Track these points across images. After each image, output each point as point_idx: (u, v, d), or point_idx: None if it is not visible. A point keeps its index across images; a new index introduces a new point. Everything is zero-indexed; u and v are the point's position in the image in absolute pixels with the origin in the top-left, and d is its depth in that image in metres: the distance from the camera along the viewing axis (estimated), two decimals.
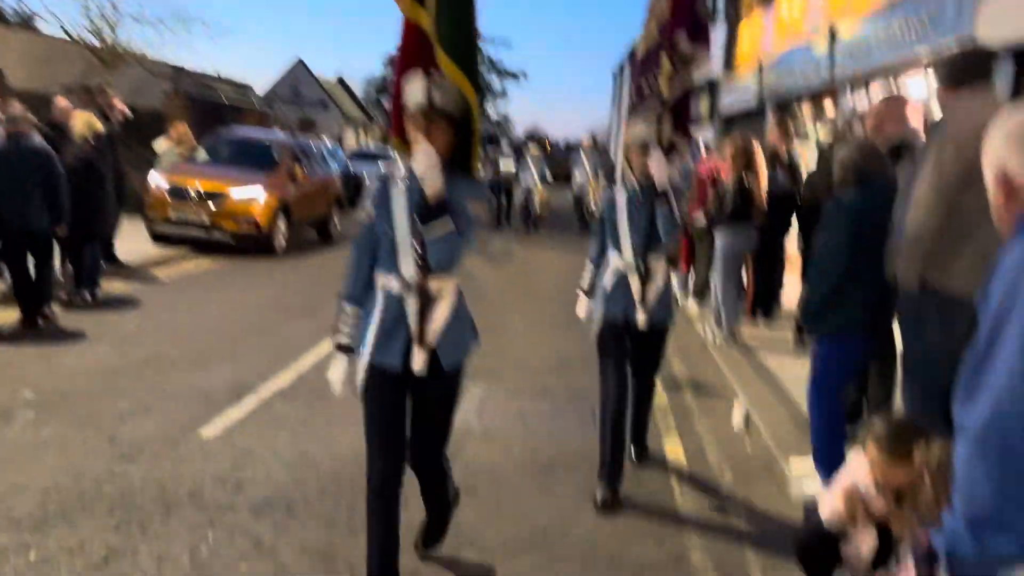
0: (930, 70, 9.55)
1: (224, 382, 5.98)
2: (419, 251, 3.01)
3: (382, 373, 3.11)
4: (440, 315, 3.09)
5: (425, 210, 2.94)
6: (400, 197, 3.05)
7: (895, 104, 5.03)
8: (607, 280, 4.49)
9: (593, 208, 16.18)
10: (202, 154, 13.31)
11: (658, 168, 4.16)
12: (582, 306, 4.73)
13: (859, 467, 3.31)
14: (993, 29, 7.67)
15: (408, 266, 3.04)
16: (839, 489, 3.34)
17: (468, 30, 3.15)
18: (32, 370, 6.01)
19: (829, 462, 4.10)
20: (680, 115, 4.54)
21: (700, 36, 4.48)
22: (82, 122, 8.39)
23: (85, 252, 8.34)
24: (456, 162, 3.08)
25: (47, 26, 20.65)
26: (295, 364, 6.56)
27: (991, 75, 3.54)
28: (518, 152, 22.45)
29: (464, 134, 3.09)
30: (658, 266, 4.41)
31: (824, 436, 4.26)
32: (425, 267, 3.02)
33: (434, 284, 3.07)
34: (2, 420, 4.95)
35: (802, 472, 4.51)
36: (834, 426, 4.27)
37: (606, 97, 57.88)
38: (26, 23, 22.04)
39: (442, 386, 3.17)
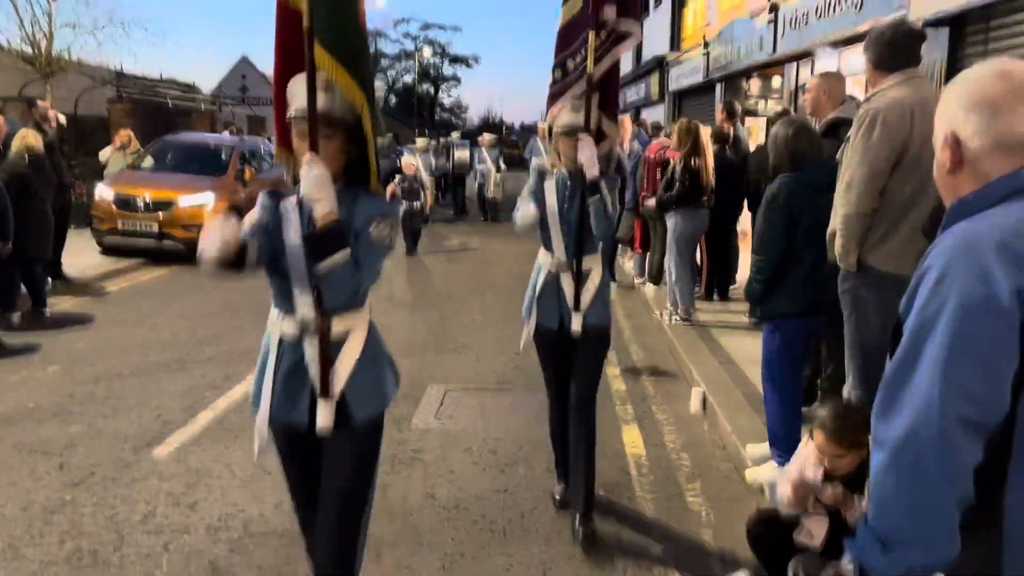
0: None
1: (177, 398, 5.89)
2: (313, 287, 2.54)
3: (285, 431, 2.70)
4: (347, 361, 2.61)
5: (317, 237, 2.43)
6: (289, 221, 2.58)
7: (832, 81, 5.06)
8: (538, 282, 4.11)
9: None
10: (148, 159, 13.05)
11: (588, 155, 3.69)
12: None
13: (809, 453, 3.36)
14: (925, 3, 7.79)
15: (304, 305, 2.57)
16: (789, 476, 3.38)
17: (351, 22, 2.55)
18: None
19: (786, 447, 4.15)
20: (608, 95, 4.05)
21: (629, 6, 4.00)
22: (18, 139, 8.18)
23: (31, 271, 8.15)
24: (353, 176, 2.61)
25: None
26: (249, 374, 6.46)
27: (918, 57, 3.57)
28: (472, 140, 22.29)
29: (359, 143, 2.59)
30: (593, 264, 3.98)
31: (779, 421, 4.30)
32: (322, 306, 2.55)
33: (338, 324, 2.59)
34: None
35: (758, 456, 4.55)
36: (789, 410, 4.31)
37: None
38: None
39: (355, 444, 2.65)
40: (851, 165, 3.44)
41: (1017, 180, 1.45)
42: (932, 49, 8.29)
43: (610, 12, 3.91)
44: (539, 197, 3.98)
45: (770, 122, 8.73)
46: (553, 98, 4.01)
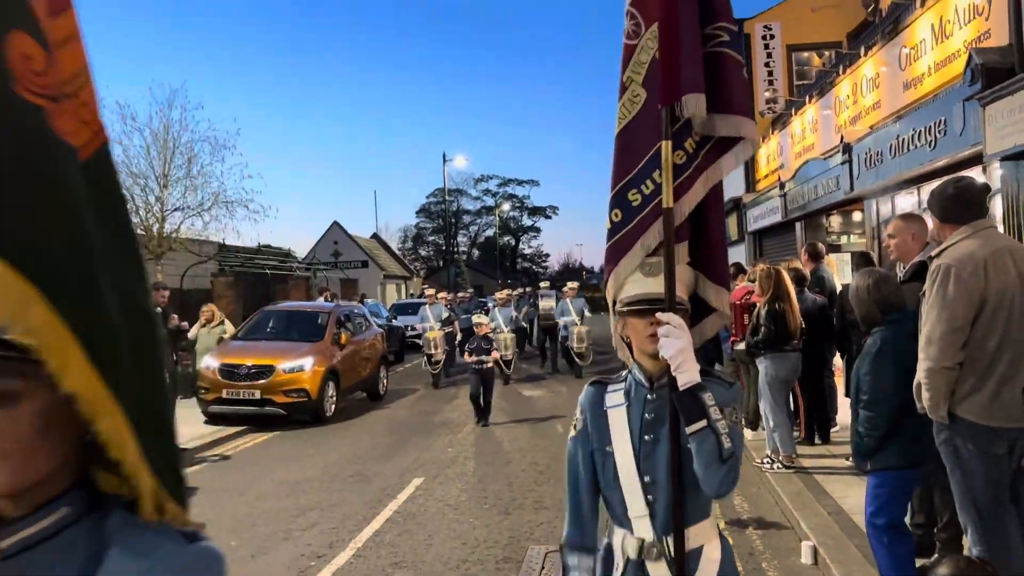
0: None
1: (284, 569, 5.98)
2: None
3: None
4: None
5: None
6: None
7: (915, 222, 5.10)
8: None
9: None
10: (229, 327, 13.64)
11: (676, 347, 2.18)
12: None
13: None
14: (999, 140, 7.86)
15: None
16: None
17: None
18: None
19: None
20: (707, 244, 2.59)
21: (731, 94, 2.48)
22: None
23: None
24: None
25: None
26: (352, 541, 6.55)
27: (985, 208, 3.64)
28: (558, 289, 21.88)
29: None
30: (704, 539, 2.36)
31: (893, 572, 4.13)
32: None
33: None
34: None
35: None
36: (902, 561, 4.14)
37: None
38: None
39: None
40: (929, 320, 3.47)
41: None
42: (1014, 180, 8.29)
43: (695, 105, 2.38)
44: (595, 437, 2.42)
45: (854, 258, 8.72)
46: (614, 253, 2.51)
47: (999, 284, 3.42)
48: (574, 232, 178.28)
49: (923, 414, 3.83)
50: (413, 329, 22.64)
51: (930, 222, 3.97)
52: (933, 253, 3.68)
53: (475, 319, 13.36)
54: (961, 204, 3.61)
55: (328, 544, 6.50)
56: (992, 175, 8.98)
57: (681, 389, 2.16)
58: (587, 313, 17.90)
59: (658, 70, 2.45)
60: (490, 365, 12.00)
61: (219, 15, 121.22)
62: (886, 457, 4.12)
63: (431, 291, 19.58)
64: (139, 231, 20.25)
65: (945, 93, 9.34)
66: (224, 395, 12.14)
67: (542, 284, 24.01)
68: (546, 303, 19.57)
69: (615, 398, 2.41)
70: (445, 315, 18.12)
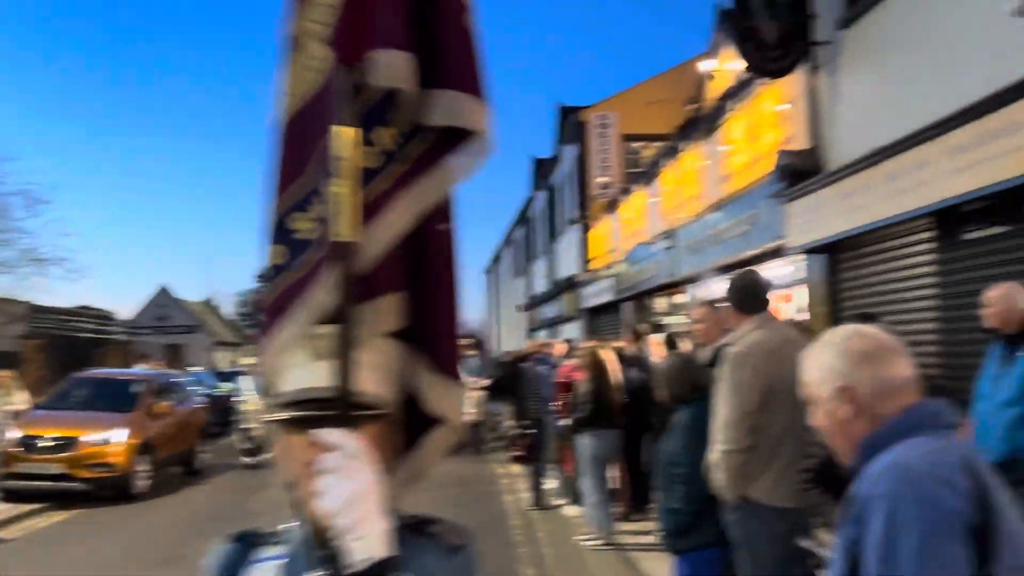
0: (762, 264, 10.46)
1: None
2: None
3: None
4: None
5: None
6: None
7: (717, 310, 5.43)
8: None
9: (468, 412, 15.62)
10: (21, 396, 12.64)
11: (343, 494, 1.19)
12: None
13: None
14: (800, 234, 8.57)
15: None
16: None
17: None
18: None
19: None
20: (433, 305, 1.59)
21: (459, 61, 1.56)
22: None
23: None
24: None
25: None
26: None
27: (767, 300, 3.95)
28: None
29: None
30: None
31: None
32: None
33: None
34: None
35: None
36: None
37: (480, 295, 59.81)
38: None
39: None
40: (724, 404, 3.68)
41: (911, 417, 1.69)
42: (814, 271, 9.02)
43: (393, 67, 1.44)
44: None
45: (669, 338, 9.15)
46: (271, 316, 1.52)
47: (784, 372, 3.66)
48: None
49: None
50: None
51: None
52: (727, 340, 3.91)
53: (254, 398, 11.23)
54: (751, 296, 3.88)
55: None
56: (798, 266, 9.74)
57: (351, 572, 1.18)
58: None
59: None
60: None
61: (37, 61, 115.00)
62: (701, 534, 4.20)
63: (248, 359, 18.59)
64: None
65: (755, 189, 10.10)
66: (19, 470, 11.10)
67: None
68: None
69: None
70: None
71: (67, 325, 24.43)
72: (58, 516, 10.60)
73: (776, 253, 9.72)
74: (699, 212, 12.41)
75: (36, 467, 11.10)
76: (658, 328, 15.34)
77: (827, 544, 3.23)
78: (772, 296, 4.09)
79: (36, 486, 11.08)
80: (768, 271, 10.82)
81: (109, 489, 11.42)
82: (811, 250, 8.69)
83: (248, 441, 15.05)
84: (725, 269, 11.59)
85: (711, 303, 5.69)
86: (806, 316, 8.98)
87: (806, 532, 3.43)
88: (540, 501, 10.08)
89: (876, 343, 1.78)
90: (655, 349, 9.44)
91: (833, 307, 8.61)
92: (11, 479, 11.16)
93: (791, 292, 10.09)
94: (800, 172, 8.73)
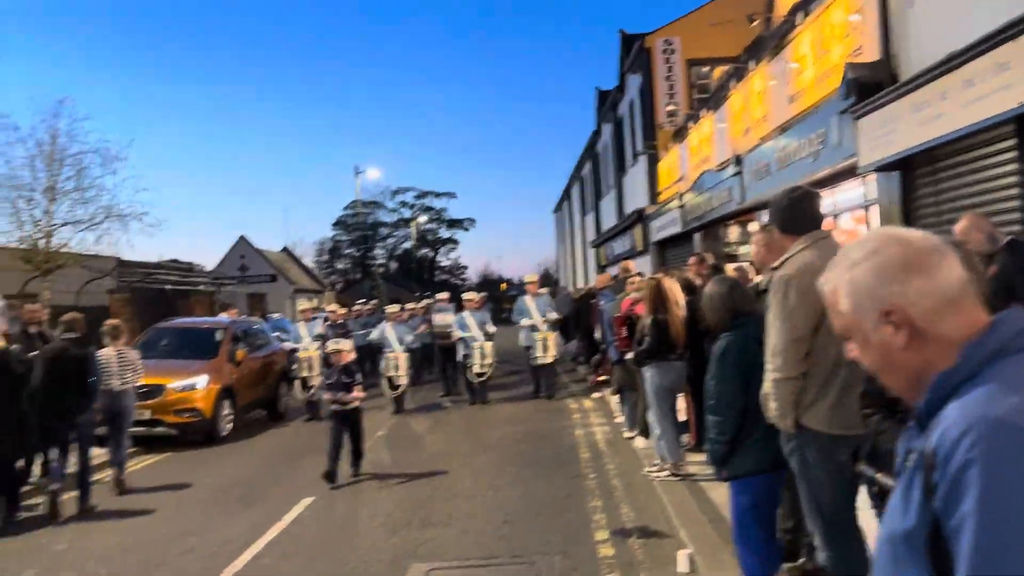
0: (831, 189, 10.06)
1: None
2: None
3: None
4: None
5: None
6: None
7: (771, 232, 5.21)
8: None
9: (539, 355, 14.34)
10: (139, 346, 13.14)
11: None
12: None
13: None
14: (871, 151, 8.16)
15: None
16: None
17: None
18: None
19: None
20: None
21: None
22: None
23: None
24: None
25: None
26: (229, 566, 6.30)
27: (819, 217, 3.73)
28: (457, 302, 18.33)
29: None
30: None
31: None
32: None
33: None
34: None
35: None
36: (764, 568, 4.19)
37: (549, 234, 59.58)
38: None
39: None
40: (773, 331, 3.52)
41: (994, 338, 1.34)
42: (887, 191, 8.62)
43: None
44: None
45: (713, 267, 8.89)
46: None
47: None
48: (492, 244, 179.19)
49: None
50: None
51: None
52: (774, 265, 3.75)
53: (332, 345, 9.81)
54: (796, 215, 3.68)
55: (203, 570, 6.25)
56: (869, 186, 9.33)
57: None
58: (491, 328, 15.07)
59: None
60: (355, 405, 9.11)
61: (108, 20, 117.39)
62: (741, 463, 4.17)
63: (306, 305, 17.41)
64: (24, 246, 19.33)
65: (824, 106, 9.66)
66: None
67: (438, 296, 19.46)
68: (441, 318, 16.73)
69: None
70: (318, 330, 15.39)
71: (152, 278, 25.31)
72: (148, 459, 11.10)
73: (847, 173, 9.33)
74: (767, 135, 11.97)
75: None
76: (731, 257, 15.04)
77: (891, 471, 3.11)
78: (825, 212, 3.87)
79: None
80: (839, 193, 10.44)
81: (195, 433, 11.92)
82: (883, 167, 8.30)
83: (304, 390, 14.53)
84: None
85: (767, 225, 5.47)
86: None
87: (868, 458, 3.28)
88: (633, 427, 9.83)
89: (917, 246, 1.42)
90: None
91: (908, 227, 8.24)
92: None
93: (864, 214, 9.69)
94: (870, 85, 8.30)
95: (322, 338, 14.75)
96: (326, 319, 16.58)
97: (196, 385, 12.11)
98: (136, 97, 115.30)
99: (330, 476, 8.76)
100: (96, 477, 10.05)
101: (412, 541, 6.73)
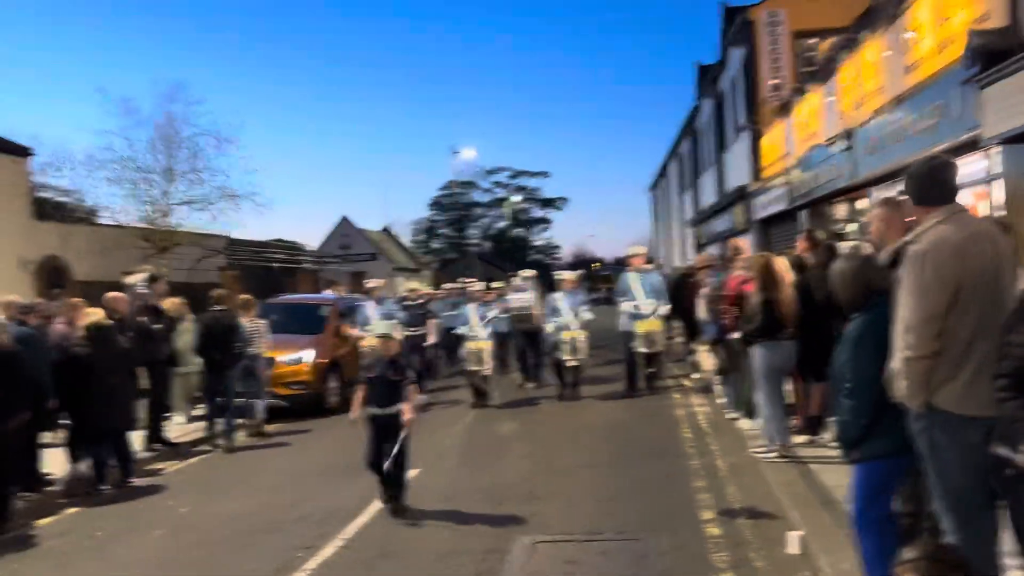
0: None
1: (271, 560, 5.97)
2: None
3: None
4: None
5: None
6: None
7: (891, 207, 5.00)
8: None
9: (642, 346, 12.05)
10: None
11: None
12: None
13: None
14: (997, 122, 7.74)
15: None
16: None
17: None
18: (87, 565, 6.11)
19: None
20: None
21: None
22: (83, 318, 8.69)
23: (101, 447, 8.48)
24: None
25: (105, 218, 22.00)
26: (341, 533, 6.54)
27: (955, 189, 3.56)
28: (549, 282, 16.31)
29: None
30: None
31: (875, 564, 4.06)
32: None
33: None
34: None
35: None
36: (884, 553, 4.06)
37: (644, 213, 58.81)
38: (88, 218, 23.50)
39: None
40: (906, 307, 3.38)
41: None
42: (1014, 164, 8.17)
43: None
44: None
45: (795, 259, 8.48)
46: None
47: (974, 270, 3.34)
48: (585, 223, 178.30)
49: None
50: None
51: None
52: (909, 238, 3.60)
53: (379, 327, 8.40)
54: (933, 184, 3.53)
55: (318, 536, 6.49)
56: (994, 160, 8.86)
57: None
58: (586, 315, 12.96)
59: None
60: (407, 416, 6.96)
61: (219, 7, 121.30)
62: (872, 446, 4.03)
63: (374, 282, 14.74)
64: (145, 225, 20.32)
65: (944, 76, 9.20)
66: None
67: (521, 274, 16.31)
68: (520, 299, 14.36)
69: None
70: (399, 313, 13.62)
71: (261, 256, 26.24)
72: (252, 431, 11.56)
73: (969, 147, 8.87)
74: (881, 107, 11.48)
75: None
76: (838, 236, 14.53)
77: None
78: (961, 184, 3.69)
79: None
80: (960, 167, 9.94)
81: (304, 405, 12.35)
82: (1011, 139, 7.85)
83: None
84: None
85: (888, 199, 5.26)
86: (1003, 214, 8.18)
87: (1002, 439, 3.14)
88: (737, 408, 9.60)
89: None
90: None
91: None
92: None
93: (986, 189, 9.21)
94: (998, 52, 7.84)
95: (413, 320, 14.37)
96: (404, 299, 15.93)
97: (303, 359, 12.56)
98: (245, 81, 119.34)
99: (389, 497, 6.98)
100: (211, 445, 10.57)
101: (518, 513, 6.81)
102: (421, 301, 16.05)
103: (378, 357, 7.30)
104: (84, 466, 8.53)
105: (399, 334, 7.71)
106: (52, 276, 19.60)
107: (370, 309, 13.34)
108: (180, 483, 8.74)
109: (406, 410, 6.95)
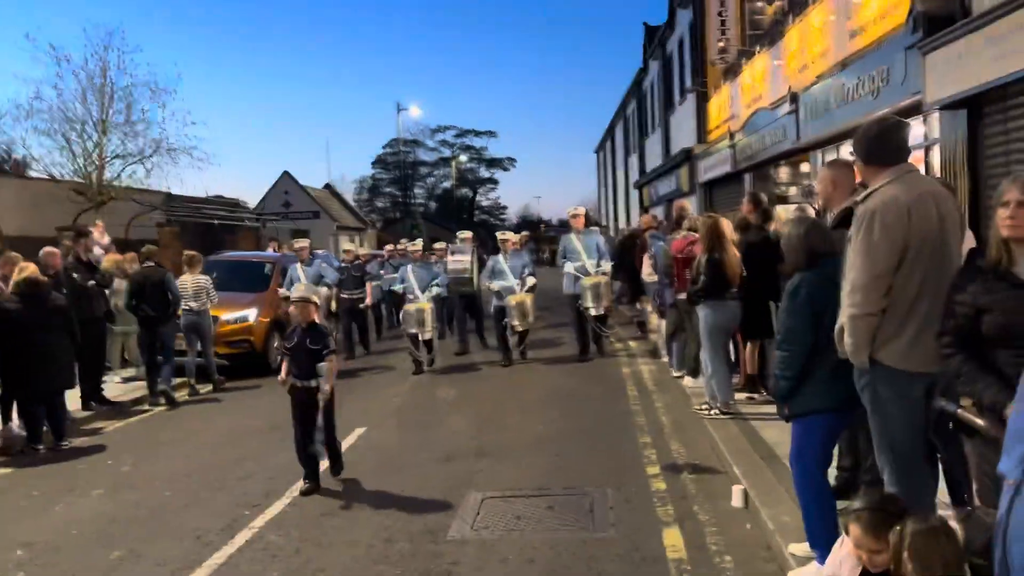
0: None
1: (216, 518, 5.91)
2: None
3: None
4: None
5: None
6: None
7: (840, 169, 5.07)
8: None
9: (589, 305, 11.57)
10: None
11: None
12: None
13: (845, 552, 3.27)
14: (939, 88, 7.89)
15: None
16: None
17: None
18: (25, 524, 5.97)
19: (826, 546, 4.03)
20: None
21: None
22: (16, 273, 8.38)
23: (35, 406, 8.30)
24: None
25: (36, 172, 21.19)
26: (288, 491, 6.49)
27: (907, 150, 3.62)
28: (488, 245, 16.20)
29: None
30: None
31: (816, 519, 4.18)
32: None
33: None
34: None
35: (802, 556, 4.41)
36: (824, 508, 4.19)
37: (591, 175, 58.94)
38: (17, 170, 22.61)
39: None
40: (853, 267, 3.45)
41: None
42: (952, 130, 8.36)
43: None
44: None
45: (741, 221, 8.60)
46: None
47: (921, 230, 3.40)
48: (532, 185, 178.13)
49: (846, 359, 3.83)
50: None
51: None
52: (858, 198, 3.65)
53: (295, 292, 7.11)
54: (884, 145, 3.57)
55: (264, 493, 6.44)
56: (932, 125, 9.05)
57: None
58: (531, 279, 12.45)
59: None
60: (315, 386, 6.40)
61: None
62: (805, 401, 4.13)
63: (301, 242, 13.86)
64: (77, 179, 19.62)
65: (888, 41, 9.35)
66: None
67: (459, 236, 14.65)
68: (456, 260, 13.06)
69: None
70: (329, 274, 13.41)
71: (201, 212, 25.61)
72: (204, 389, 11.38)
73: (910, 111, 9.05)
74: (825, 72, 11.63)
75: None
76: (782, 199, 14.77)
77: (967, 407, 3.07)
78: (945, 131, 3.73)
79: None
80: None
81: (248, 363, 12.16)
82: (951, 105, 8.03)
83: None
84: (854, 132, 10.91)
85: (837, 160, 5.34)
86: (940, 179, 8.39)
87: (943, 394, 3.23)
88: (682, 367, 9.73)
89: None
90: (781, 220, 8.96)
91: (972, 168, 8.00)
92: None
93: (923, 154, 9.43)
94: (941, 18, 7.99)
95: (349, 282, 14.06)
96: (342, 262, 15.01)
97: (248, 317, 12.36)
98: (182, 30, 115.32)
99: (308, 485, 6.46)
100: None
101: (466, 470, 6.85)
102: (359, 263, 15.40)
103: (296, 324, 6.70)
104: (16, 426, 8.31)
105: (316, 299, 6.82)
106: None
107: (298, 270, 12.74)
108: (121, 442, 8.57)
109: (324, 382, 6.39)
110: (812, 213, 7.00)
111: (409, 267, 12.68)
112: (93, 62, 20.12)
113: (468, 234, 14.52)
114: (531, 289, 12.43)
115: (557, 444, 7.57)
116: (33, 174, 21.60)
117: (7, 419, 8.32)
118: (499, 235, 13.69)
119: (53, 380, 8.30)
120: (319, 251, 25.48)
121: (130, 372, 11.97)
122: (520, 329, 12.14)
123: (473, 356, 13.43)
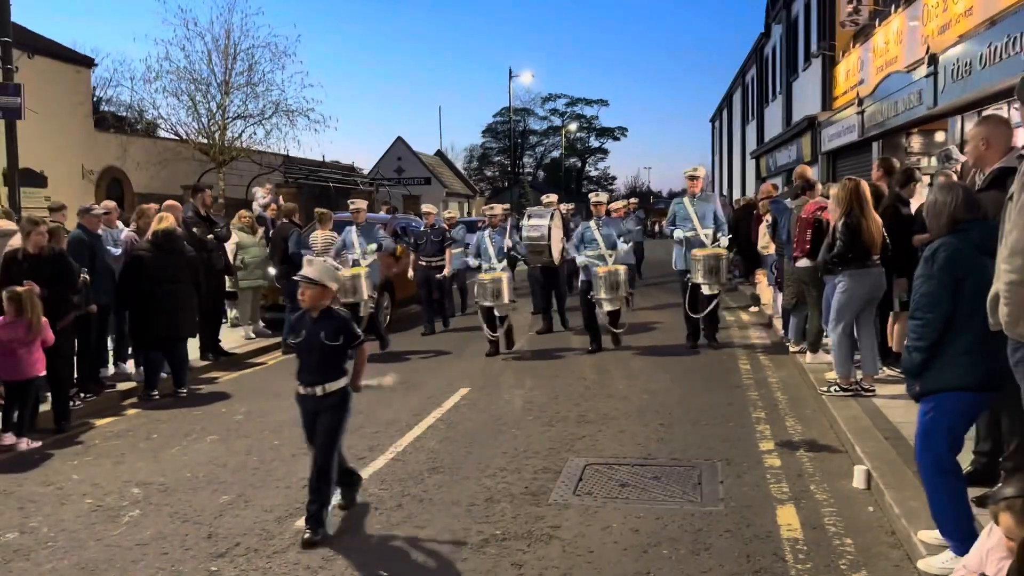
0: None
1: None
2: None
3: None
4: None
5: None
6: None
7: (994, 126, 4.60)
8: None
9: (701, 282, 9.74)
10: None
11: None
12: None
13: (994, 543, 2.95)
14: None
15: None
16: (968, 568, 2.99)
17: None
18: (142, 466, 6.18)
19: (957, 535, 3.71)
20: None
21: None
22: (155, 223, 8.71)
23: (157, 353, 8.59)
24: None
25: (165, 132, 22.12)
26: (392, 446, 6.51)
27: None
28: (584, 211, 14.23)
29: None
30: None
31: (946, 507, 3.83)
32: None
33: None
34: (110, 521, 5.06)
35: (933, 544, 4.07)
36: (955, 495, 3.84)
37: (704, 146, 57.32)
38: (147, 131, 23.64)
39: None
40: (1016, 228, 3.07)
41: None
42: None
43: None
44: None
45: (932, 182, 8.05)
46: None
47: None
48: (643, 155, 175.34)
49: (988, 333, 3.45)
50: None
51: (1017, 116, 3.50)
52: (1023, 151, 3.26)
53: (305, 268, 5.05)
54: None
55: (368, 448, 6.48)
56: None
57: None
58: (623, 246, 10.71)
59: None
60: (325, 393, 5.03)
61: None
62: (939, 376, 3.77)
63: (358, 202, 11.93)
64: (201, 138, 20.33)
65: None
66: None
67: (544, 199, 13.38)
68: (534, 227, 10.92)
69: None
70: (385, 241, 11.92)
71: (317, 175, 26.20)
72: None
73: None
74: (969, 31, 10.77)
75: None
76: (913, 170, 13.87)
77: None
78: None
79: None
80: None
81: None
82: None
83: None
84: (1000, 96, 10.07)
85: (991, 116, 4.86)
86: None
87: None
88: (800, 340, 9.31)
89: None
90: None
91: None
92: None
93: None
94: None
95: (433, 247, 12.91)
96: (423, 226, 13.62)
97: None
98: None
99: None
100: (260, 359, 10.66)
101: (568, 435, 6.71)
102: (440, 227, 13.53)
103: (303, 311, 5.08)
104: (135, 371, 8.70)
105: (333, 283, 5.11)
106: (112, 186, 19.90)
107: (353, 235, 11.34)
108: (235, 392, 8.83)
109: (357, 379, 5.15)
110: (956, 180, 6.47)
111: (486, 232, 11.07)
112: (218, 24, 20.76)
113: (553, 197, 13.14)
114: (623, 259, 10.70)
115: (662, 415, 7.33)
116: (161, 134, 22.57)
117: (123, 361, 8.75)
118: (591, 197, 11.50)
119: (178, 328, 8.61)
120: (398, 215, 25.34)
121: (260, 326, 12.28)
122: (609, 308, 10.29)
123: (553, 340, 11.77)
